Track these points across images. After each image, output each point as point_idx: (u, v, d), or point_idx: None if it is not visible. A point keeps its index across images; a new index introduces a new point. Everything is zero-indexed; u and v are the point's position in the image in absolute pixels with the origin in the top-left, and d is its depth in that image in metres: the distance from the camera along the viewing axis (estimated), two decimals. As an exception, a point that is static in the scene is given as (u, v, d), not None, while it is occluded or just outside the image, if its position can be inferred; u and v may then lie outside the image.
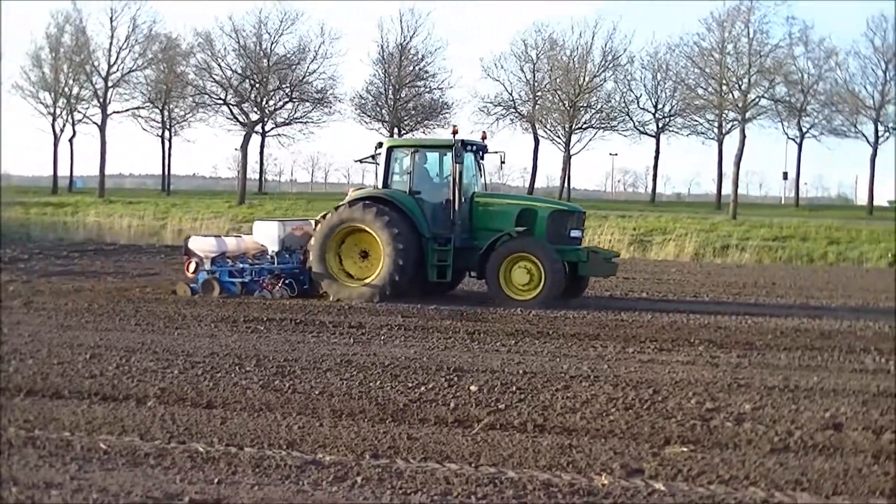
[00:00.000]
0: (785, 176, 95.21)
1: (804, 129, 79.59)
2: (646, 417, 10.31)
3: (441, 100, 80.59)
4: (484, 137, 22.96)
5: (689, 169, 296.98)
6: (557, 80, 71.22)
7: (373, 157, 23.08)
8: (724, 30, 64.83)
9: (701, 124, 76.61)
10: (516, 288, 20.53)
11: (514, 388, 11.67)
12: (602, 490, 7.82)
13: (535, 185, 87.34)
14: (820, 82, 73.47)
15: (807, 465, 8.68)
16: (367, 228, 20.67)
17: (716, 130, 76.00)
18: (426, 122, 79.89)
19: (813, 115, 77.12)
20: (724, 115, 70.17)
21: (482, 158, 22.77)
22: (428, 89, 79.62)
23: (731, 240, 40.57)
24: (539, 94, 75.83)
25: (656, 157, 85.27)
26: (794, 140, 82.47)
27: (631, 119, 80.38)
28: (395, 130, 76.43)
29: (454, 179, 21.12)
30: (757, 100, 65.56)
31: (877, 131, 72.08)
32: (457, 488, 7.81)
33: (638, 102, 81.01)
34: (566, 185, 76.81)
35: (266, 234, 22.14)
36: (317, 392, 11.31)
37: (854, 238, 43.34)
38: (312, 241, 21.21)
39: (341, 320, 17.48)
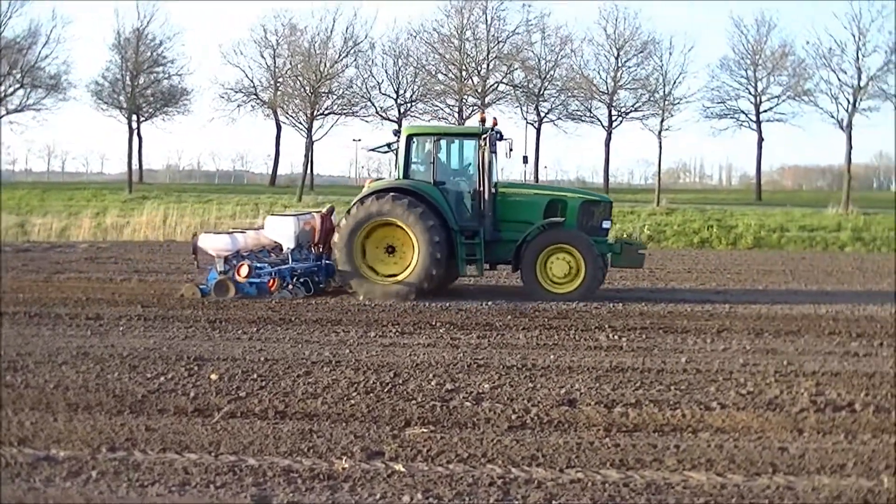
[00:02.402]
0: (525, 160, 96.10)
1: (542, 114, 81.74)
2: (387, 400, 10.40)
3: (180, 86, 79.08)
4: (495, 124, 21.46)
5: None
6: (298, 66, 70.60)
7: (388, 145, 22.11)
8: (463, 16, 65.91)
9: (442, 109, 77.49)
10: (553, 281, 19.93)
11: (255, 376, 11.59)
12: (342, 474, 7.83)
13: (279, 173, 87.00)
14: (556, 68, 75.45)
15: (542, 440, 8.93)
16: (399, 222, 19.57)
17: (456, 115, 77.15)
18: (166, 108, 78.25)
19: (550, 100, 79.22)
20: (464, 101, 71.28)
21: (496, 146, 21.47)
22: (167, 75, 77.81)
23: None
24: (280, 80, 75.17)
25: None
26: (532, 125, 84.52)
27: (373, 105, 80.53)
28: (134, 117, 74.49)
29: (482, 169, 20.19)
30: (496, 85, 66.97)
31: (610, 116, 74.57)
32: (195, 478, 7.68)
33: (380, 88, 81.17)
34: (309, 171, 76.49)
35: (281, 231, 20.78)
36: (51, 386, 10.94)
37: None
38: (337, 237, 19.96)
39: (78, 312, 16.92)
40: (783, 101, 72.76)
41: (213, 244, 19.91)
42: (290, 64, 72.77)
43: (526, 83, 72.46)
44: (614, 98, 73.35)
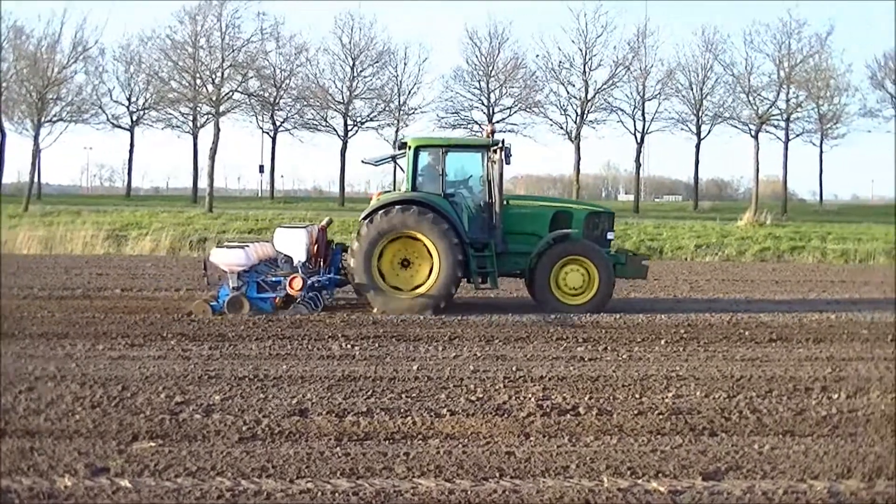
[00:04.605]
0: (261, 169, 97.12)
1: (278, 123, 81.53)
2: (113, 415, 10.14)
3: None
4: (493, 132, 20.95)
5: (167, 163, 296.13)
6: (24, 70, 68.07)
7: (393, 157, 21.33)
8: (197, 23, 64.92)
9: (175, 117, 76.40)
10: (567, 293, 19.87)
11: (-27, 393, 11.07)
12: (64, 492, 7.60)
13: (4, 181, 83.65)
14: (292, 77, 75.46)
15: (273, 451, 8.90)
16: (420, 236, 19.22)
17: (191, 124, 76.10)
18: None
19: (286, 109, 79.13)
20: (198, 109, 70.32)
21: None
22: None
23: (208, 233, 40.72)
24: (4, 84, 72.39)
25: (131, 151, 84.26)
26: (268, 133, 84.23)
27: (104, 112, 78.82)
28: None
29: (491, 181, 20.00)
30: (231, 94, 66.25)
31: (346, 125, 75.06)
32: None
33: (111, 95, 79.58)
34: (36, 179, 73.85)
35: (292, 243, 19.69)
36: None
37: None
38: (355, 250, 19.25)
39: None
40: (515, 112, 75.02)
41: (227, 259, 18.93)
42: (16, 69, 69.99)
43: (261, 92, 72.16)
44: (350, 107, 73.97)
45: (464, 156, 21.08)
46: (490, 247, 19.99)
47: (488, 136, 20.85)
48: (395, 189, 21.10)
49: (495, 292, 21.34)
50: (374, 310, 19.30)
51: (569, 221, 20.81)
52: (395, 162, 21.65)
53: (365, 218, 19.66)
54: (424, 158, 20.44)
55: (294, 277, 19.16)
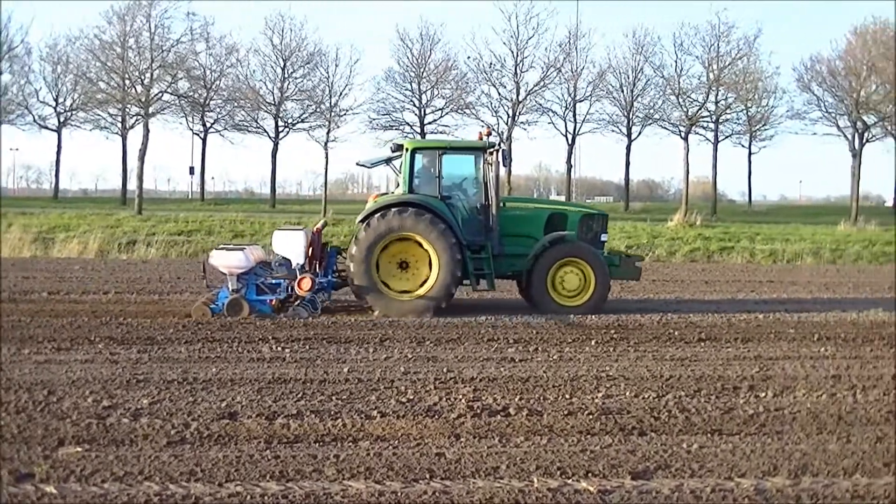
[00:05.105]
0: (191, 171, 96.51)
1: (208, 125, 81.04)
2: (39, 420, 10.01)
3: None
4: (489, 134, 20.82)
5: (96, 164, 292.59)
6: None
7: (388, 160, 21.17)
8: (126, 23, 64.23)
9: (104, 119, 75.59)
10: (564, 294, 20.05)
11: None
12: (-14, 499, 7.50)
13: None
14: (222, 78, 74.96)
15: (202, 455, 8.84)
16: (419, 237, 19.30)
17: (119, 125, 75.37)
18: None
19: (216, 110, 78.66)
20: (127, 110, 69.63)
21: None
22: None
23: (137, 235, 40.29)
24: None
25: (58, 153, 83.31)
26: (198, 135, 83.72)
27: (30, 112, 77.93)
28: None
29: (487, 184, 20.09)
30: (160, 94, 65.64)
31: (277, 127, 74.70)
32: None
33: (37, 95, 78.69)
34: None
35: (290, 245, 19.48)
36: None
37: (258, 231, 44.62)
38: (354, 252, 19.20)
39: None
40: (446, 113, 75.06)
41: (227, 261, 18.81)
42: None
43: (191, 93, 71.55)
44: (281, 109, 73.54)
45: (460, 158, 21.07)
46: (486, 249, 20.14)
47: (481, 139, 21.04)
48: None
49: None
50: (377, 313, 19.28)
51: (564, 223, 21.01)
52: (390, 164, 21.60)
53: (363, 220, 19.71)
54: (420, 160, 20.53)
55: (303, 278, 19.11)
